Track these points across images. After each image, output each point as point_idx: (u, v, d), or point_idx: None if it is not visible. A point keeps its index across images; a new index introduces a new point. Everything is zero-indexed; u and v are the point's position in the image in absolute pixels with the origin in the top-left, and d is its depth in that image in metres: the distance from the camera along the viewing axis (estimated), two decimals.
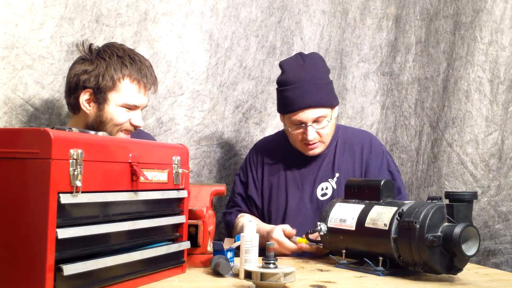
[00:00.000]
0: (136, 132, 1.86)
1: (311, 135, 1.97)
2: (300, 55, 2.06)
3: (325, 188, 2.05)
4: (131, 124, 1.77)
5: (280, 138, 2.19)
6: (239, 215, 2.10)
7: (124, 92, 1.73)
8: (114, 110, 1.73)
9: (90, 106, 1.73)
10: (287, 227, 1.85)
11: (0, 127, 1.88)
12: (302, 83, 1.98)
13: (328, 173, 2.06)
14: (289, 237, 1.83)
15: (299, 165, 2.09)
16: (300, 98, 1.96)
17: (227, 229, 2.15)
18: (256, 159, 2.16)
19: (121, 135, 1.77)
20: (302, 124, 1.98)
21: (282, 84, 2.03)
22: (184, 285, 1.38)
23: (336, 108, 2.07)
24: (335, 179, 2.04)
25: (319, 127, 1.98)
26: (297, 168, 2.09)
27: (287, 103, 2.00)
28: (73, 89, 1.74)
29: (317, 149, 2.04)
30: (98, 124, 1.73)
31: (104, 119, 1.72)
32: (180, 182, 1.47)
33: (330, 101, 2.01)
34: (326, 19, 2.70)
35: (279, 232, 1.83)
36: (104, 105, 1.72)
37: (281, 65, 2.07)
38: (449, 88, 2.51)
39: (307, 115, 1.96)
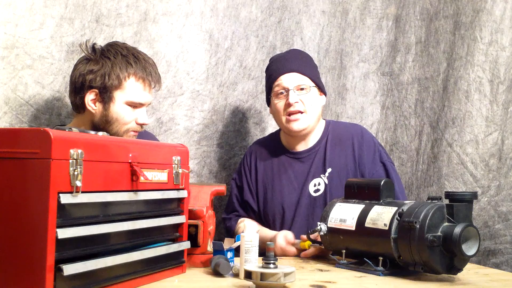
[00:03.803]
0: (142, 131, 1.87)
1: (292, 97, 1.99)
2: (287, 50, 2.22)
3: (318, 184, 2.04)
4: (137, 123, 1.78)
5: (273, 138, 2.21)
6: (239, 221, 2.10)
7: (130, 90, 1.74)
8: (119, 109, 1.73)
9: (96, 106, 1.74)
10: (288, 234, 1.86)
11: (0, 127, 1.88)
12: (285, 55, 2.11)
13: (319, 169, 2.06)
14: (291, 242, 1.84)
15: (292, 163, 2.10)
16: (283, 65, 2.05)
17: (228, 235, 2.16)
18: (250, 162, 2.17)
19: (130, 135, 1.78)
20: (285, 92, 2.01)
21: (267, 68, 2.13)
22: (184, 285, 1.38)
23: (324, 97, 2.10)
24: (327, 174, 2.04)
25: (301, 94, 2.00)
26: (290, 166, 2.10)
27: (271, 75, 2.07)
28: (78, 89, 1.74)
29: (301, 122, 2.02)
30: (104, 123, 1.74)
31: (110, 118, 1.73)
32: (180, 182, 1.47)
33: (313, 75, 2.07)
34: (326, 19, 2.70)
35: (281, 239, 1.85)
36: (109, 104, 1.73)
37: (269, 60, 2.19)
38: (449, 88, 2.50)
39: (288, 78, 2.01)
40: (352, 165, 2.05)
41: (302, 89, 2.01)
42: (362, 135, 2.10)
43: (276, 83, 2.03)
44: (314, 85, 2.04)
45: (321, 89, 2.08)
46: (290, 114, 2.00)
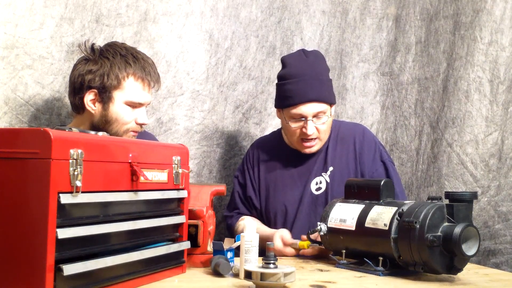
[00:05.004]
0: (141, 131, 1.87)
1: (311, 129, 1.97)
2: (303, 51, 2.09)
3: (319, 183, 2.05)
4: (136, 123, 1.78)
5: (276, 136, 2.21)
6: (240, 219, 2.11)
7: (129, 90, 1.74)
8: (119, 108, 1.73)
9: (95, 106, 1.73)
10: (285, 235, 1.85)
11: (0, 127, 1.88)
12: (305, 76, 1.99)
13: (321, 167, 2.07)
14: (288, 243, 1.83)
15: (295, 162, 2.11)
16: (303, 92, 1.97)
17: (229, 232, 2.17)
18: (252, 160, 2.17)
19: (130, 135, 1.78)
20: (302, 118, 1.98)
21: (284, 78, 2.04)
22: (184, 285, 1.38)
23: (334, 107, 2.08)
24: (328, 172, 2.05)
25: (318, 123, 1.99)
26: (292, 165, 2.11)
27: (289, 96, 2.00)
28: (77, 89, 1.74)
29: (314, 147, 2.04)
30: (103, 124, 1.73)
31: (110, 118, 1.73)
32: (180, 182, 1.47)
33: (330, 98, 2.03)
34: (326, 19, 2.70)
35: (278, 241, 1.84)
36: (109, 104, 1.73)
37: (283, 59, 2.08)
38: (449, 88, 2.51)
39: (308, 109, 1.97)
40: (353, 164, 2.06)
41: (319, 116, 1.99)
42: (364, 135, 2.11)
43: (294, 110, 1.98)
44: (330, 106, 2.02)
45: (334, 102, 2.07)
46: (304, 140, 2.01)
